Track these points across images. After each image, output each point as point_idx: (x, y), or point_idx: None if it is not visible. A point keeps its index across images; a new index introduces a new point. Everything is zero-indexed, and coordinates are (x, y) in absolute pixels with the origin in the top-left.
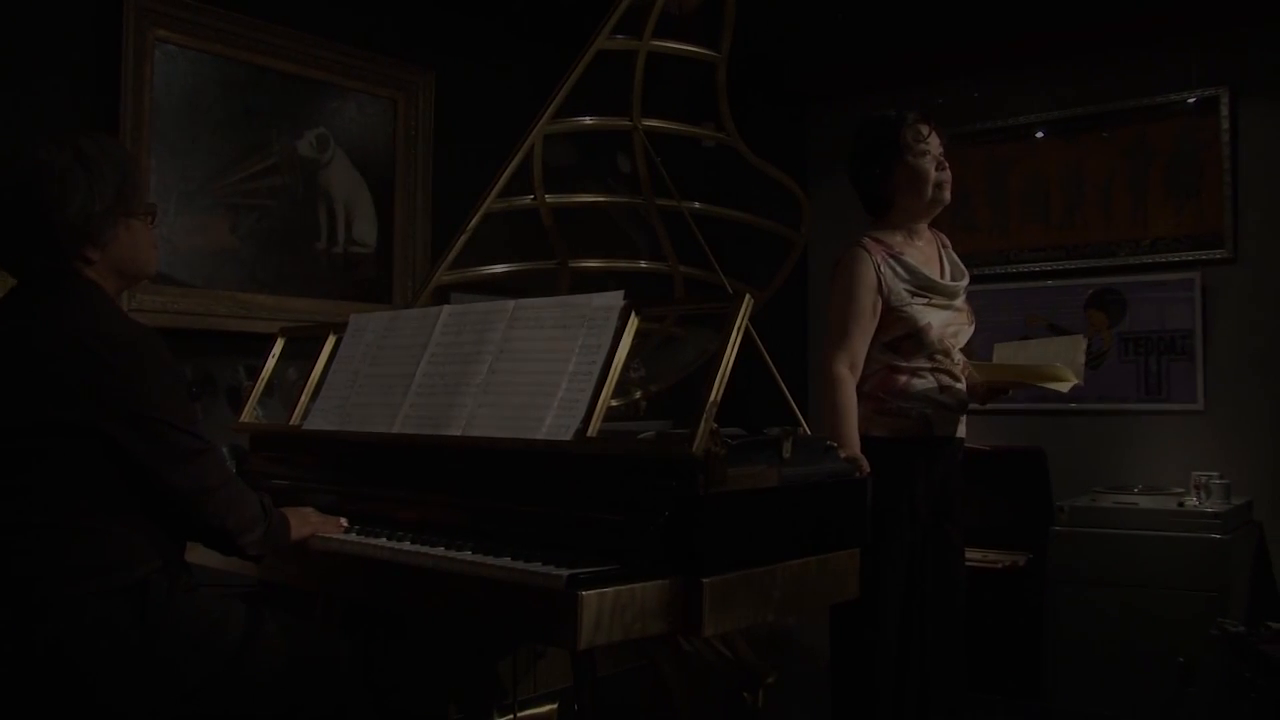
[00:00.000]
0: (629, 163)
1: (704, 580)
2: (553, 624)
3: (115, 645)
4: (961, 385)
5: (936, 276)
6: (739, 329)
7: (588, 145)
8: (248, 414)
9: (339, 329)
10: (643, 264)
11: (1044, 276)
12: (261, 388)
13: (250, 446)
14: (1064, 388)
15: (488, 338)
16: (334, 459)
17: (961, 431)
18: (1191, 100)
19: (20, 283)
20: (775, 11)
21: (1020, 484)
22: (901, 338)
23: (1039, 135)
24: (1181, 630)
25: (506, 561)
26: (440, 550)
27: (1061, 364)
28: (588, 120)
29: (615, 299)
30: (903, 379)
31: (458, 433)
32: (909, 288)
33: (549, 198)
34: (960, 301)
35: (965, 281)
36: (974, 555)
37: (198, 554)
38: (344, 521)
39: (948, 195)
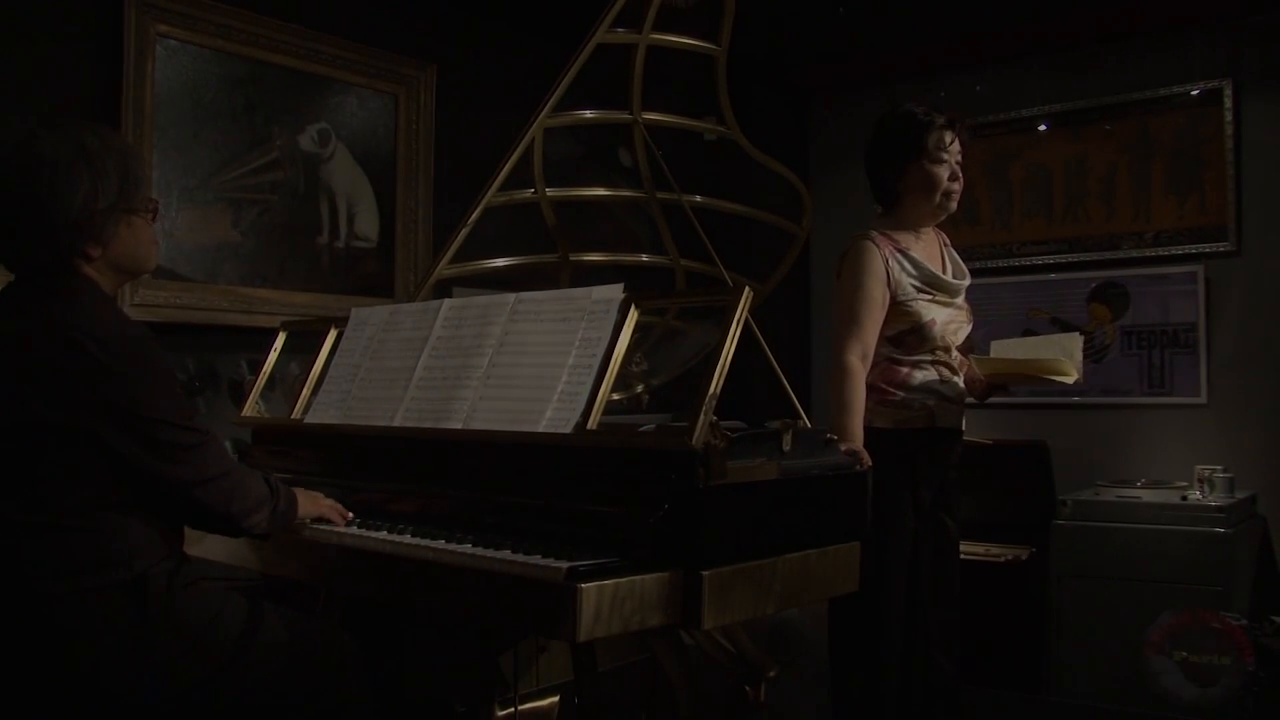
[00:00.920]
0: (630, 156)
1: (703, 573)
2: (552, 616)
3: (116, 640)
4: (960, 379)
5: (940, 274)
6: (739, 321)
7: (589, 139)
8: (249, 408)
9: (340, 323)
10: (644, 258)
11: (1046, 270)
12: (263, 382)
13: (252, 440)
14: (1066, 380)
15: (488, 331)
16: (335, 452)
17: (962, 425)
18: (1195, 93)
19: (16, 278)
20: (776, 3)
21: (1023, 478)
22: (905, 332)
23: (1041, 128)
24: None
25: (506, 554)
26: (441, 543)
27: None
28: (588, 114)
29: (615, 292)
30: (904, 371)
31: (458, 426)
32: (915, 283)
33: (550, 191)
34: (961, 300)
35: (967, 281)
36: (976, 549)
37: (199, 548)
38: (349, 513)
39: (954, 205)
